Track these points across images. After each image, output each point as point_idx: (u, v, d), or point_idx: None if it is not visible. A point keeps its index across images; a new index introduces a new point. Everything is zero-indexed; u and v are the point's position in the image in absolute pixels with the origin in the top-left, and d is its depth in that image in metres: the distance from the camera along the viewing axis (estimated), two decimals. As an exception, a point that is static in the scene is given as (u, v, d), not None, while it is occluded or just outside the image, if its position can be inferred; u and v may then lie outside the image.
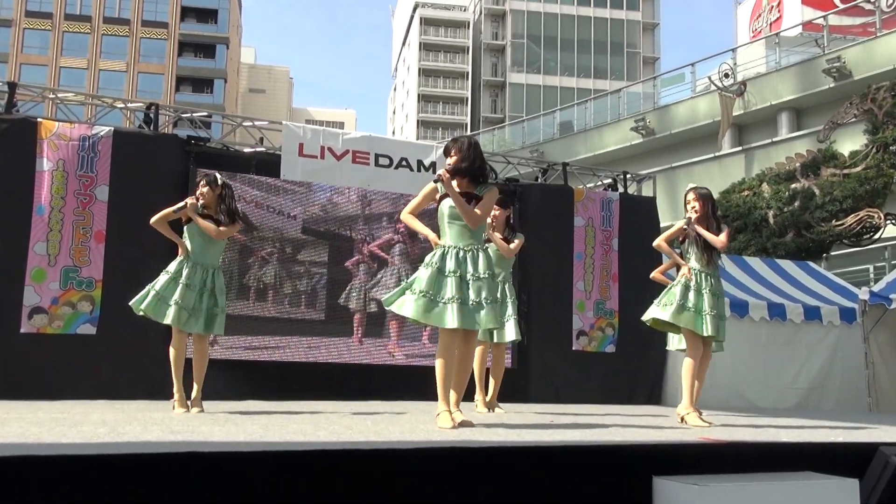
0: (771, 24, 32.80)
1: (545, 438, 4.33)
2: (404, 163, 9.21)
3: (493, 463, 2.87)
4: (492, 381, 7.15)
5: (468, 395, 6.82)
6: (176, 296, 5.86)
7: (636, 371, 9.83)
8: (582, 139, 28.90)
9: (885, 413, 9.51)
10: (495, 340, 6.87)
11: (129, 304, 6.01)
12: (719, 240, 6.00)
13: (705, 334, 5.86)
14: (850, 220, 14.91)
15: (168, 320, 5.86)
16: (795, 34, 27.13)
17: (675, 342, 6.59)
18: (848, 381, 10.46)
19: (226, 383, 7.97)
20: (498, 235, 6.84)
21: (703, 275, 5.99)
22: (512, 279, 7.12)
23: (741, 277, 10.99)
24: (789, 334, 10.33)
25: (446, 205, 4.87)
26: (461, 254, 4.79)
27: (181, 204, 6.06)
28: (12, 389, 6.88)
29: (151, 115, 8.54)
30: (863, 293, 10.31)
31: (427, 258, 4.83)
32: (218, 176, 6.23)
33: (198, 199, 6.08)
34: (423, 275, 4.72)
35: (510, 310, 6.83)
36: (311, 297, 8.87)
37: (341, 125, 64.74)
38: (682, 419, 5.83)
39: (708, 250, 6.03)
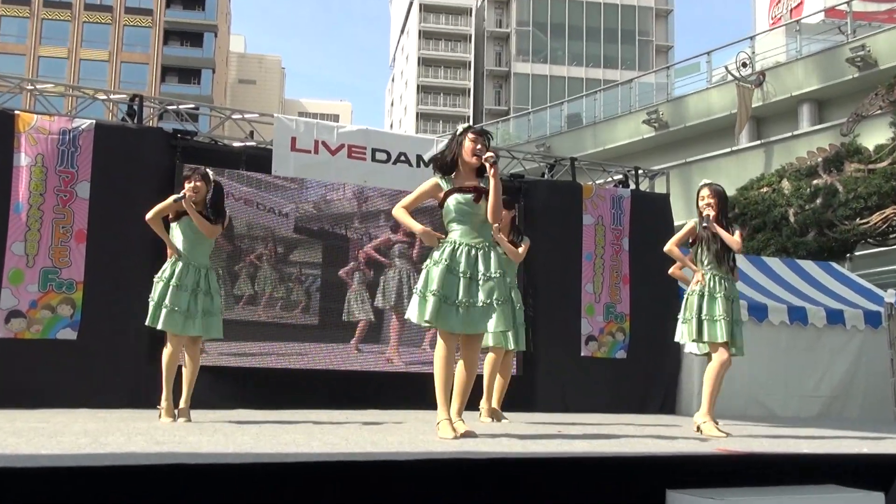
0: (791, 10, 32.82)
1: (552, 449, 4.32)
2: (403, 158, 9.22)
3: (496, 475, 2.87)
4: (496, 389, 7.17)
5: (473, 403, 6.83)
6: (168, 298, 5.86)
7: (648, 378, 9.83)
8: (591, 133, 28.88)
9: (913, 423, 9.50)
10: (510, 347, 6.92)
11: (146, 324, 6.02)
12: (735, 240, 6.01)
13: (719, 340, 5.88)
14: (876, 218, 14.89)
15: (160, 324, 5.85)
16: (817, 21, 27.10)
17: (692, 345, 6.62)
18: (873, 389, 10.45)
19: (214, 392, 7.97)
20: (505, 239, 6.85)
21: (716, 278, 6.00)
22: (517, 284, 7.15)
23: (760, 279, 10.99)
24: (811, 339, 10.33)
25: (454, 200, 4.86)
26: (472, 252, 4.80)
27: (180, 194, 6.01)
28: (-12, 398, 6.89)
29: (135, 108, 8.55)
30: (889, 296, 10.30)
31: (435, 254, 4.82)
32: (210, 171, 6.24)
33: (192, 194, 6.05)
34: (434, 273, 4.72)
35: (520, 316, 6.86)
36: (304, 301, 8.88)
37: (336, 118, 64.83)
38: (698, 428, 5.84)
39: (722, 252, 6.03)
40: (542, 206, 9.90)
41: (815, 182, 16.01)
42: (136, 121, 8.51)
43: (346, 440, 4.53)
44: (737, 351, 6.07)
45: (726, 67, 24.80)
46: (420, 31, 64.10)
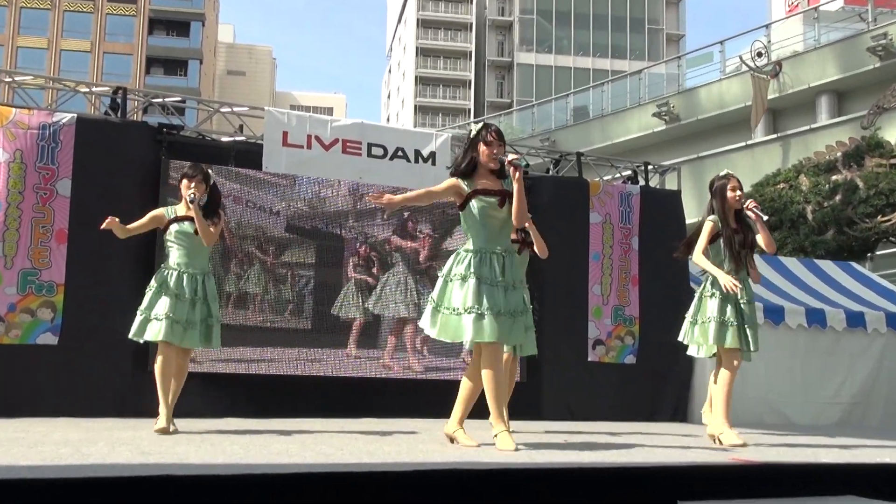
0: (809, -4, 32.79)
1: (557, 460, 4.33)
2: (400, 153, 9.22)
3: (499, 487, 2.88)
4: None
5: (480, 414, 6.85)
6: (166, 308, 5.83)
7: (659, 384, 9.83)
8: (598, 126, 28.90)
9: (937, 431, 9.51)
10: (523, 353, 6.92)
11: (130, 336, 6.00)
12: (771, 239, 6.03)
13: (733, 346, 5.92)
14: (898, 215, 14.92)
15: (161, 336, 5.80)
16: (836, 8, 27.11)
17: (693, 347, 6.62)
18: (895, 395, 10.46)
19: (202, 400, 7.96)
20: (537, 234, 6.86)
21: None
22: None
23: (776, 280, 10.99)
24: (830, 343, 10.33)
25: (477, 203, 4.91)
26: (501, 260, 4.86)
27: (190, 197, 5.93)
28: (-36, 406, 6.89)
29: (119, 101, 8.54)
30: (912, 297, 10.32)
31: (459, 268, 4.87)
32: (210, 171, 6.23)
33: (194, 195, 5.97)
34: (467, 289, 4.78)
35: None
36: (296, 304, 8.87)
37: (330, 111, 64.75)
38: (717, 440, 5.87)
39: (743, 252, 6.03)
40: (547, 204, 9.89)
41: (834, 178, 16.01)
42: (119, 115, 8.50)
43: (340, 450, 4.53)
44: (745, 356, 6.09)
45: (741, 57, 24.82)
46: (418, 20, 64.09)
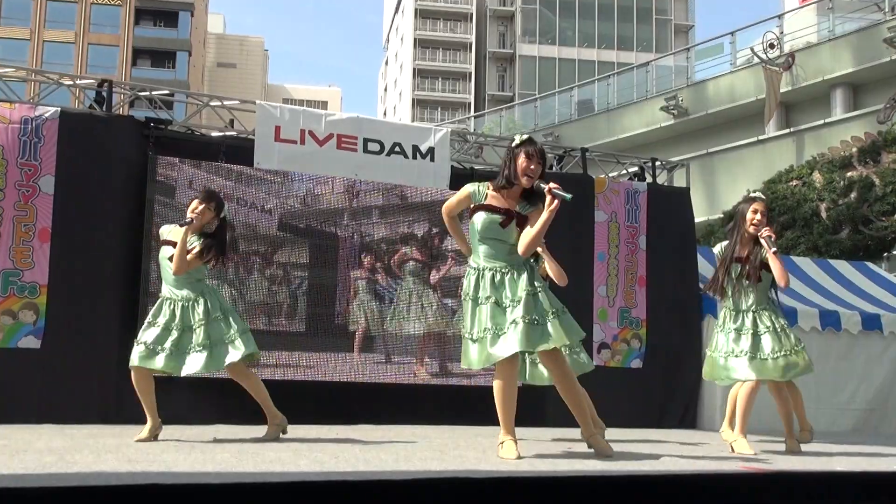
0: (823, -14, 32.79)
1: (561, 468, 4.34)
2: (397, 149, 9.22)
3: (500, 496, 2.88)
4: None
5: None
6: (144, 335, 5.87)
7: (667, 390, 9.84)
8: (603, 121, 28.91)
9: (956, 438, 9.52)
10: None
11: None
12: (784, 275, 6.05)
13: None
14: (916, 214, 14.94)
15: (135, 362, 5.82)
16: (852, -2, 27.15)
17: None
18: (913, 402, 10.49)
19: (190, 406, 7.96)
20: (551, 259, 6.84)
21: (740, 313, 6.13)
22: None
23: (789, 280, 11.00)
24: (845, 347, 10.34)
25: (480, 218, 4.94)
26: (497, 276, 4.88)
27: (187, 220, 5.92)
28: (-56, 412, 6.90)
29: (104, 94, 8.54)
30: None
31: (467, 291, 4.99)
32: (225, 203, 6.21)
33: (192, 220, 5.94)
34: (472, 311, 4.92)
35: None
36: (290, 306, 8.88)
37: (324, 105, 64.83)
38: (730, 445, 5.94)
39: (742, 281, 6.09)
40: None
41: (849, 174, 16.04)
42: (105, 108, 8.50)
43: (335, 458, 4.54)
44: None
45: (752, 49, 24.81)
46: (416, 10, 64.08)
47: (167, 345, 5.83)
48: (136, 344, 5.88)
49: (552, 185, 4.86)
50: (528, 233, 4.88)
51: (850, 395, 10.41)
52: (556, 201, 4.80)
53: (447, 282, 9.25)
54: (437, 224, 9.42)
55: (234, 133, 9.10)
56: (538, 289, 4.91)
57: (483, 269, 4.91)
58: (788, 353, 6.05)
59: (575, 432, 7.88)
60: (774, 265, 6.00)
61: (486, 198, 4.97)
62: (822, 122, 21.56)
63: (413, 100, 63.09)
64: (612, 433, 7.88)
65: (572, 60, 56.33)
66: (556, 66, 56.24)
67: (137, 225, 8.09)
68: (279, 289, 8.84)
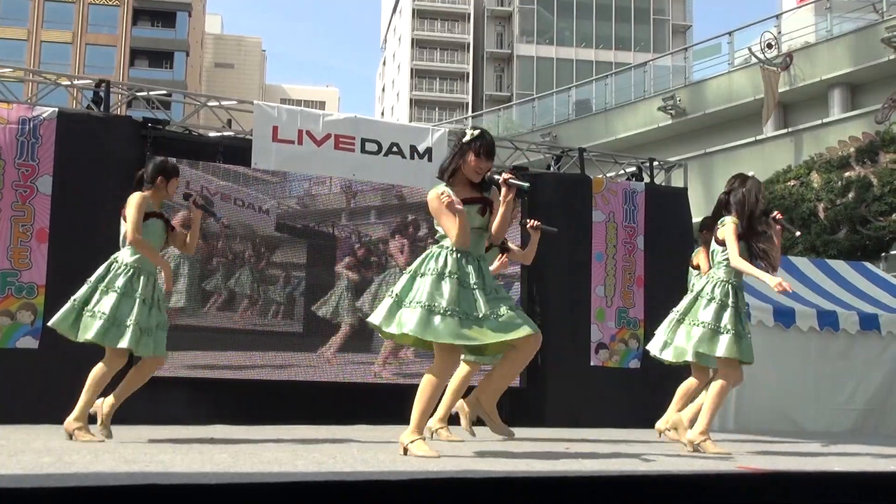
0: (821, -14, 32.82)
1: (559, 468, 4.34)
2: (395, 149, 9.22)
3: (498, 496, 2.89)
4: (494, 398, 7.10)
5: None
6: (135, 315, 5.65)
7: (664, 390, 9.78)
8: (601, 121, 28.93)
9: (954, 438, 9.52)
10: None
11: (51, 324, 5.91)
12: (779, 257, 6.05)
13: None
14: (913, 213, 14.96)
15: (126, 344, 5.63)
16: (849, -2, 27.18)
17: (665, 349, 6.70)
18: (911, 401, 10.50)
19: (188, 406, 7.97)
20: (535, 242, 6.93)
21: (730, 286, 6.04)
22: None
23: (786, 280, 11.00)
24: (843, 347, 10.35)
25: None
26: (476, 262, 4.88)
27: (200, 202, 5.92)
28: (-59, 413, 6.89)
29: (102, 94, 8.54)
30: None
31: (433, 264, 4.82)
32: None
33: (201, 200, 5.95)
34: (445, 287, 4.75)
35: None
36: (287, 306, 8.88)
37: (322, 105, 64.84)
38: (696, 447, 5.88)
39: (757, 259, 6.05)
40: (548, 202, 9.90)
41: (846, 174, 16.06)
42: (102, 108, 8.50)
43: (334, 458, 4.54)
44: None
45: (750, 49, 24.84)
46: (414, 10, 64.08)
47: (153, 323, 5.74)
48: (127, 325, 5.65)
49: (506, 175, 4.86)
50: (494, 227, 4.91)
51: (849, 395, 10.42)
52: (511, 192, 4.79)
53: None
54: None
55: (231, 133, 9.10)
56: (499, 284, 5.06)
57: (462, 253, 4.85)
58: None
59: (572, 432, 7.90)
60: (777, 249, 6.01)
61: (454, 191, 4.94)
62: (819, 122, 21.58)
63: (411, 100, 63.07)
64: (610, 433, 7.90)
65: (570, 60, 56.33)
66: (554, 66, 56.23)
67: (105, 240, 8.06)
68: (276, 289, 8.84)
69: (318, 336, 8.86)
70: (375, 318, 4.84)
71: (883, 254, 15.84)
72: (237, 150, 8.79)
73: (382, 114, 70.79)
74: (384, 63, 77.00)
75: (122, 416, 6.09)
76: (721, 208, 6.16)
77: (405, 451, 4.73)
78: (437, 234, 5.02)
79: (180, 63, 54.58)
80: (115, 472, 3.53)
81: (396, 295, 4.80)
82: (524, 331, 4.71)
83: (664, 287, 9.88)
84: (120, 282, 5.73)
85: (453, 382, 6.55)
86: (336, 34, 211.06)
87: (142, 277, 5.77)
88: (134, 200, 5.83)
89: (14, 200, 7.76)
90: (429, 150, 9.29)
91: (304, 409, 8.24)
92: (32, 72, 9.98)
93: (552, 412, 9.35)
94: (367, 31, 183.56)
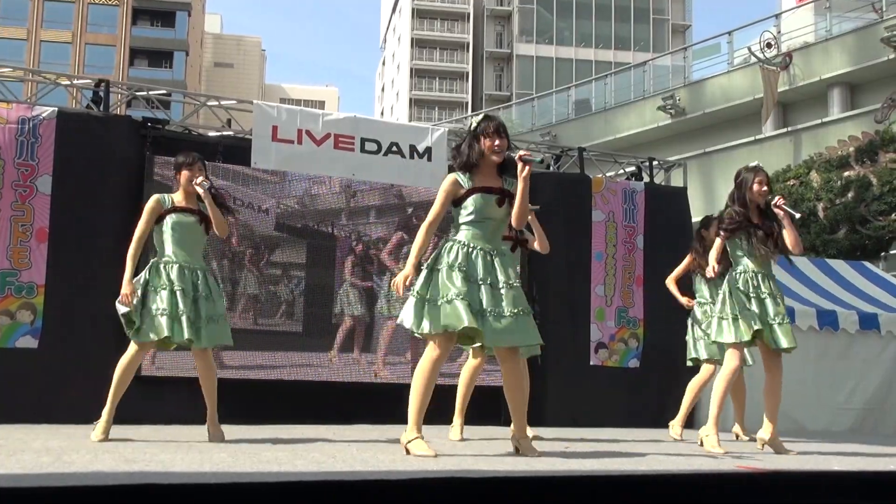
0: (820, -15, 32.81)
1: (558, 468, 4.34)
2: (395, 148, 9.22)
3: (498, 496, 2.88)
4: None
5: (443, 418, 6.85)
6: (164, 304, 5.67)
7: (664, 389, 9.82)
8: (601, 120, 28.93)
9: (954, 437, 9.52)
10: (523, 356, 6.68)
11: (132, 338, 5.87)
12: (799, 242, 6.01)
13: (777, 346, 5.93)
14: (913, 213, 14.96)
15: (165, 332, 5.63)
16: (849, -3, 27.17)
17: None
18: (910, 401, 10.49)
19: (187, 405, 7.96)
20: (540, 229, 6.90)
21: (759, 275, 6.02)
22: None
23: (786, 280, 10.98)
24: (842, 346, 10.35)
25: (476, 199, 4.89)
26: (488, 257, 4.83)
27: (206, 186, 5.82)
28: (-60, 412, 6.89)
29: (101, 94, 8.54)
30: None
31: (446, 257, 4.82)
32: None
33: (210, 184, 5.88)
34: (453, 278, 4.73)
35: None
36: (287, 306, 8.87)
37: (321, 105, 64.82)
38: (701, 442, 5.92)
39: (765, 249, 6.01)
40: (548, 201, 9.87)
41: (846, 174, 16.06)
42: (102, 108, 8.50)
43: (333, 458, 4.54)
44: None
45: (749, 48, 24.83)
46: (413, 10, 64.08)
47: (185, 310, 5.72)
48: (149, 315, 5.68)
49: (521, 152, 4.88)
50: (514, 207, 4.88)
51: (848, 394, 10.41)
52: (526, 167, 4.78)
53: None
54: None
55: (231, 133, 9.10)
56: (516, 283, 4.87)
57: (473, 248, 4.84)
58: (786, 318, 6.04)
59: (572, 432, 7.90)
60: (791, 232, 5.95)
61: (473, 181, 4.94)
62: (819, 121, 21.57)
63: (410, 99, 63.07)
64: (610, 433, 7.90)
65: (569, 60, 56.35)
66: (554, 65, 56.25)
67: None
68: (276, 289, 8.84)
69: (317, 336, 8.86)
70: (406, 321, 4.84)
71: (882, 253, 15.84)
72: (237, 150, 8.79)
73: (382, 113, 70.78)
74: (384, 63, 77.00)
75: (121, 415, 6.08)
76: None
77: (407, 450, 4.74)
78: (453, 222, 5.03)
79: (180, 63, 54.58)
80: (114, 471, 3.53)
81: (418, 293, 4.80)
82: (506, 343, 4.74)
83: (664, 286, 9.88)
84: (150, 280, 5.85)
85: (464, 377, 6.59)
86: (335, 34, 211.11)
87: (171, 270, 5.81)
88: (147, 206, 5.99)
89: (14, 200, 7.75)
90: (428, 150, 9.29)
91: (303, 409, 8.24)
92: (32, 71, 9.97)
93: (552, 411, 9.34)
94: (367, 30, 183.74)
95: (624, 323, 9.94)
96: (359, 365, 8.95)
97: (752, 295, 5.99)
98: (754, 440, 6.89)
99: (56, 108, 8.07)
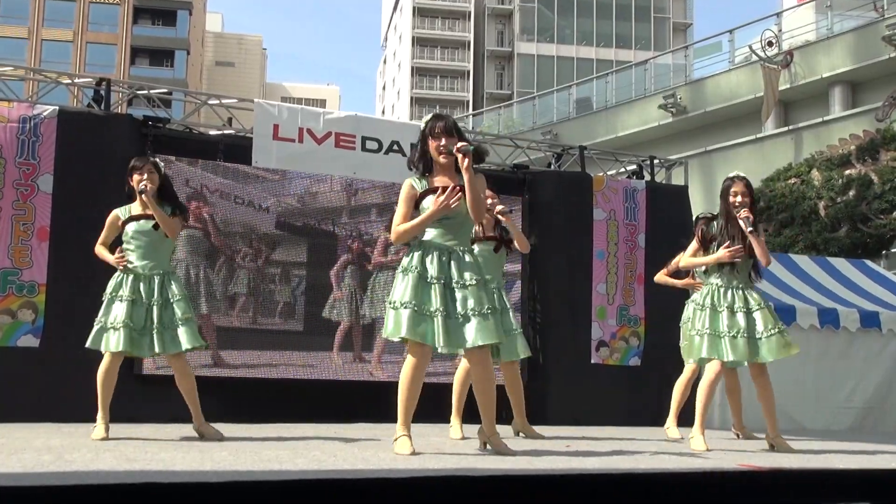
0: (821, -16, 32.79)
1: (560, 466, 4.34)
2: (396, 147, 9.22)
3: (498, 494, 2.88)
4: (513, 403, 7.09)
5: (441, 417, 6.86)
6: (124, 316, 5.66)
7: (665, 388, 9.78)
8: (602, 119, 28.90)
9: (955, 435, 9.52)
10: (503, 358, 6.69)
11: (87, 346, 5.91)
12: (767, 254, 6.04)
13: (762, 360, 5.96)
14: (914, 211, 14.96)
15: (121, 347, 5.62)
16: (850, -4, 27.14)
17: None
18: (911, 399, 10.49)
19: (187, 405, 7.96)
20: (517, 228, 6.88)
21: (726, 290, 6.05)
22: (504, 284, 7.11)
23: (787, 278, 11.00)
24: (843, 345, 10.34)
25: (430, 201, 4.84)
26: (443, 256, 4.78)
27: (141, 188, 5.77)
28: (-58, 411, 6.89)
29: (102, 93, 8.54)
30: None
31: (405, 260, 4.83)
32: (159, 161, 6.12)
33: (146, 186, 5.78)
34: (405, 282, 4.73)
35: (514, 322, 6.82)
36: (287, 305, 8.87)
37: (323, 103, 64.73)
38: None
39: (737, 262, 6.04)
40: (549, 200, 9.91)
41: (847, 172, 16.04)
42: (103, 107, 8.50)
43: (334, 456, 4.54)
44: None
45: (750, 47, 24.81)
46: (414, 8, 64.06)
47: (149, 324, 5.70)
48: (110, 329, 5.67)
49: (459, 144, 4.80)
50: (467, 198, 4.78)
51: (849, 393, 10.41)
52: (466, 159, 4.74)
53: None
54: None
55: (232, 131, 9.10)
56: (472, 282, 4.78)
57: (429, 248, 4.82)
58: (782, 330, 6.03)
59: (573, 430, 7.90)
60: (756, 245, 5.96)
61: (427, 183, 4.91)
62: (820, 120, 21.55)
63: (411, 98, 63.06)
64: (610, 431, 7.90)
65: (571, 58, 56.33)
66: (555, 64, 56.23)
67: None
68: (277, 288, 8.84)
69: (318, 335, 8.86)
70: (384, 330, 4.88)
71: (884, 251, 15.83)
72: (238, 149, 8.79)
73: (383, 112, 70.78)
74: (385, 61, 76.98)
75: (122, 414, 6.09)
76: None
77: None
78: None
79: (181, 61, 54.58)
80: (115, 470, 3.53)
81: (389, 300, 4.84)
82: (453, 344, 4.68)
83: (665, 286, 9.89)
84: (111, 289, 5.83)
85: (459, 376, 6.61)
86: (337, 32, 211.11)
87: (128, 280, 5.78)
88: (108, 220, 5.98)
89: (15, 199, 7.76)
90: (429, 149, 9.29)
91: (304, 408, 8.24)
92: (33, 70, 9.97)
93: (553, 410, 9.35)
94: (368, 29, 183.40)
95: (625, 321, 9.94)
96: (359, 364, 8.96)
97: (733, 309, 5.99)
98: (754, 438, 6.89)
99: (57, 107, 8.08)
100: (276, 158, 8.79)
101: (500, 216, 6.63)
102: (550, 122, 30.92)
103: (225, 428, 6.03)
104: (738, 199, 6.04)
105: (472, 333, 4.67)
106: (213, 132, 9.07)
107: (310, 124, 8.96)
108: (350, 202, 9.19)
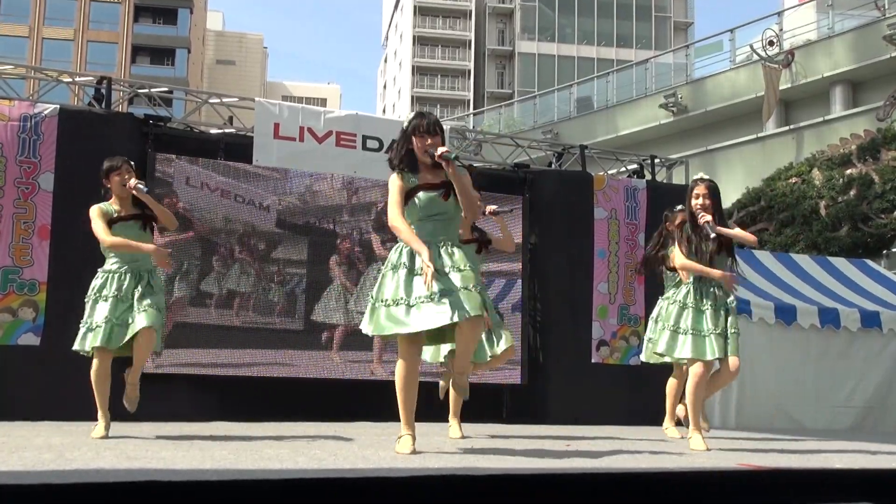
0: (822, -17, 32.77)
1: (560, 465, 4.34)
2: (396, 146, 9.21)
3: (499, 493, 2.88)
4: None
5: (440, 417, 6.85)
6: (106, 313, 5.63)
7: (665, 387, 9.83)
8: (603, 118, 28.90)
9: (955, 435, 9.52)
10: (489, 356, 6.44)
11: (73, 349, 5.89)
12: (750, 237, 6.04)
13: (708, 358, 5.93)
14: (915, 211, 14.95)
15: (99, 342, 5.61)
16: (851, -5, 27.13)
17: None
18: (911, 399, 10.49)
19: (190, 403, 7.97)
20: (504, 226, 6.88)
21: (702, 288, 6.05)
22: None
23: (788, 278, 11.00)
24: (843, 344, 10.35)
25: (420, 197, 4.81)
26: (434, 249, 4.73)
27: (134, 185, 5.72)
28: (-58, 409, 6.90)
29: (103, 91, 8.54)
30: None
31: (393, 257, 4.79)
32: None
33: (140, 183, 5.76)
34: (390, 280, 4.70)
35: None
36: (288, 304, 8.88)
37: (323, 102, 64.73)
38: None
39: (715, 254, 6.02)
40: (550, 199, 9.91)
41: (848, 172, 16.05)
42: (104, 106, 8.51)
43: (334, 455, 4.55)
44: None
45: (751, 46, 24.81)
46: (415, 7, 64.04)
47: (130, 316, 5.66)
48: (93, 326, 5.66)
49: (441, 149, 4.76)
50: (461, 199, 4.76)
51: (849, 392, 10.42)
52: (451, 166, 4.70)
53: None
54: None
55: (233, 130, 9.10)
56: (476, 269, 4.78)
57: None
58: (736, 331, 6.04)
59: (573, 429, 7.90)
60: (730, 235, 5.99)
61: (416, 179, 4.88)
62: (821, 119, 21.55)
63: (412, 97, 63.04)
64: (611, 430, 7.90)
65: (571, 57, 56.32)
66: (556, 63, 56.22)
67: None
68: (277, 286, 8.84)
69: (318, 333, 8.86)
70: (363, 325, 4.85)
71: (884, 251, 15.83)
72: (238, 147, 8.80)
73: (384, 111, 70.76)
74: (385, 60, 76.97)
75: (122, 412, 6.09)
76: None
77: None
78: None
79: (182, 60, 54.56)
80: (116, 468, 3.54)
81: (371, 296, 4.81)
82: (447, 318, 4.53)
83: (663, 286, 9.89)
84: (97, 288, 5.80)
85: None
86: (337, 31, 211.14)
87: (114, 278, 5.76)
88: (91, 215, 5.81)
89: (16, 197, 7.76)
90: (430, 148, 9.29)
91: (305, 407, 8.24)
92: (34, 69, 9.98)
93: (553, 409, 9.36)
94: (369, 28, 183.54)
95: (625, 320, 9.95)
96: (360, 362, 8.95)
97: (716, 307, 5.98)
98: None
99: (58, 106, 8.08)
100: (276, 157, 8.79)
101: (492, 216, 6.70)
102: (551, 121, 30.91)
103: (225, 427, 6.03)
104: (700, 200, 6.03)
105: (453, 309, 4.53)
106: (213, 131, 9.08)
107: (310, 123, 8.96)
108: (351, 201, 9.19)
